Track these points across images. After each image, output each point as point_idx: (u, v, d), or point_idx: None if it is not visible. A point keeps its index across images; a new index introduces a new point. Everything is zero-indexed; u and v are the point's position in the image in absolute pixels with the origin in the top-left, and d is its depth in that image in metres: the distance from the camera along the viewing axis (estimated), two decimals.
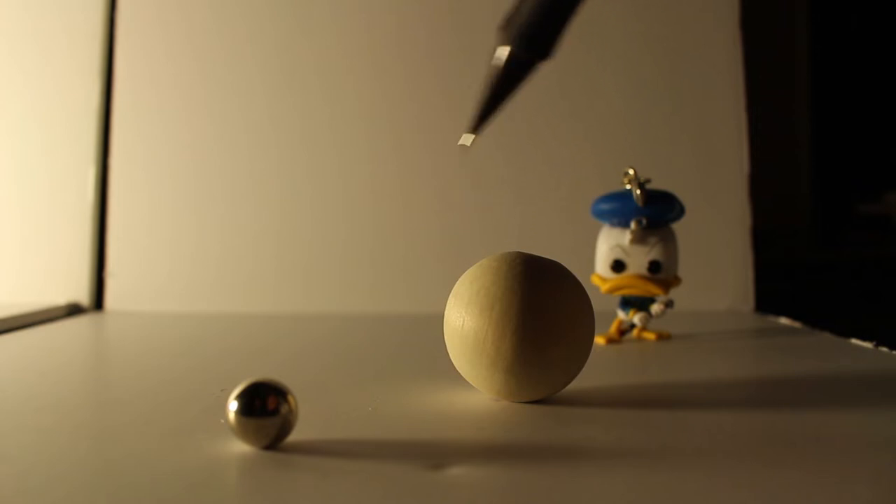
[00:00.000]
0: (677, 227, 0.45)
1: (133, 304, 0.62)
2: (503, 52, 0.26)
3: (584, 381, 0.32)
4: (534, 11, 0.26)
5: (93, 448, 0.24)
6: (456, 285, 0.30)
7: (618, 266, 0.44)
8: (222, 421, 0.25)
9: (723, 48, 0.64)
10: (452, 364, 0.30)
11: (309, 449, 0.23)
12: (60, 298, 0.61)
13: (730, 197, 0.63)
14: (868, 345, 0.42)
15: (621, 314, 0.45)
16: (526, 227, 0.63)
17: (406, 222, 0.64)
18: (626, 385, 0.34)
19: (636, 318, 0.44)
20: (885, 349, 0.41)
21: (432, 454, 0.23)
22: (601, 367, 0.37)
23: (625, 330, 0.46)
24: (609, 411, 0.29)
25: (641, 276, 0.43)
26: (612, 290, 0.44)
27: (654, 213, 0.43)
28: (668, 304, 0.44)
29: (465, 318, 0.28)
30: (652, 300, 0.44)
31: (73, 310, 0.61)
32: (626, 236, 0.44)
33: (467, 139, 0.28)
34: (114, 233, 0.63)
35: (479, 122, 0.27)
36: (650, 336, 0.46)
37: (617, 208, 0.43)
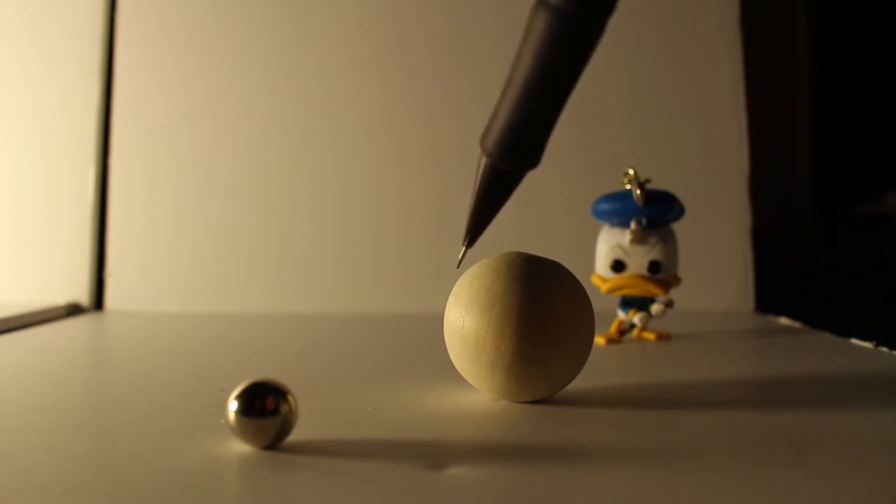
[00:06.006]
0: (677, 227, 0.45)
1: (133, 304, 0.62)
2: (485, 164, 0.25)
3: (584, 381, 0.32)
4: (512, 123, 0.24)
5: (93, 448, 0.24)
6: (456, 285, 0.29)
7: (618, 266, 0.44)
8: (222, 421, 0.25)
9: (723, 48, 0.64)
10: (452, 364, 0.30)
11: (309, 449, 0.23)
12: (60, 298, 0.61)
13: (730, 197, 0.63)
14: (868, 345, 0.42)
15: (621, 314, 0.45)
16: (526, 227, 0.63)
17: (406, 222, 0.64)
18: (626, 385, 0.34)
19: (636, 318, 0.44)
20: (885, 349, 0.41)
21: (432, 454, 0.23)
22: (601, 367, 0.37)
23: (625, 330, 0.46)
24: (609, 411, 0.29)
25: (641, 276, 0.43)
26: (612, 290, 0.44)
27: (654, 213, 0.43)
28: (668, 304, 0.44)
29: (465, 318, 0.28)
30: (652, 300, 0.44)
31: (73, 310, 0.61)
32: (626, 236, 0.44)
33: (462, 252, 0.27)
34: (114, 233, 0.63)
35: (473, 235, 0.26)
36: (650, 336, 0.46)
37: (617, 208, 0.43)
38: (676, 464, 0.22)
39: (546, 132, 0.24)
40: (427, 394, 0.31)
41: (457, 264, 0.27)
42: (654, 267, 0.43)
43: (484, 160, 0.25)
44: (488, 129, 0.25)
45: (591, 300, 0.29)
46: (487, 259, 0.29)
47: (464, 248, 0.26)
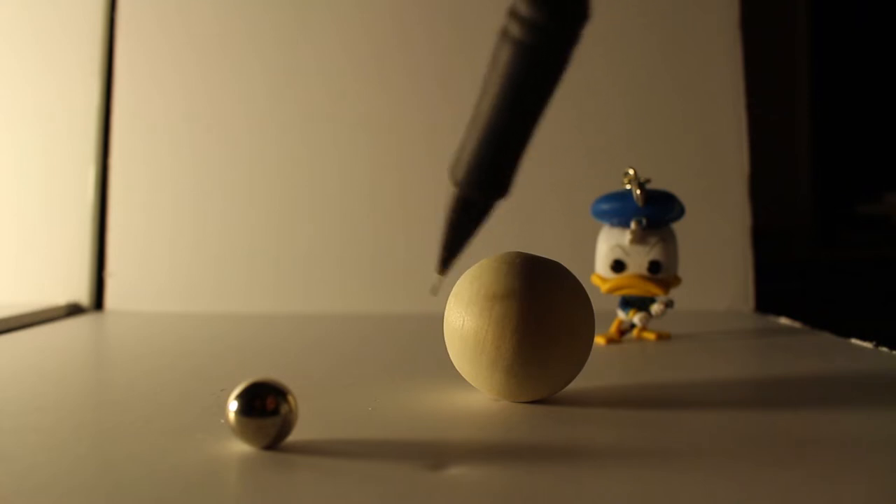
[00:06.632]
0: (677, 227, 0.45)
1: (133, 304, 0.62)
2: (454, 194, 0.25)
3: (584, 381, 0.32)
4: (480, 152, 0.24)
5: (93, 448, 0.24)
6: (456, 285, 0.30)
7: (618, 266, 0.44)
8: (222, 421, 0.25)
9: (723, 48, 0.64)
10: (452, 364, 0.30)
11: (309, 449, 0.23)
12: (60, 298, 0.61)
13: (730, 197, 0.63)
14: (868, 345, 0.42)
15: (621, 314, 0.45)
16: (526, 227, 0.63)
17: (406, 222, 0.64)
18: (626, 385, 0.34)
19: (636, 318, 0.44)
20: (885, 349, 0.41)
21: (432, 454, 0.23)
22: (601, 367, 0.37)
23: (625, 330, 0.46)
24: (609, 411, 0.29)
25: (641, 276, 0.43)
26: (612, 290, 0.44)
27: (654, 213, 0.43)
28: (668, 304, 0.44)
29: (465, 318, 0.28)
30: (652, 300, 0.44)
31: (73, 310, 0.61)
32: (626, 236, 0.44)
33: (437, 280, 0.26)
34: (114, 233, 0.63)
35: (446, 262, 0.26)
36: (650, 336, 0.46)
37: (617, 208, 0.43)
38: (676, 464, 0.22)
39: (514, 162, 0.24)
40: (427, 394, 0.31)
41: (434, 292, 0.27)
42: (654, 267, 0.43)
43: (453, 190, 0.25)
44: (457, 159, 0.25)
45: (591, 300, 0.29)
46: (487, 259, 0.29)
47: (439, 277, 0.26)
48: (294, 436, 0.24)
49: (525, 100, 0.23)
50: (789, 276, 0.82)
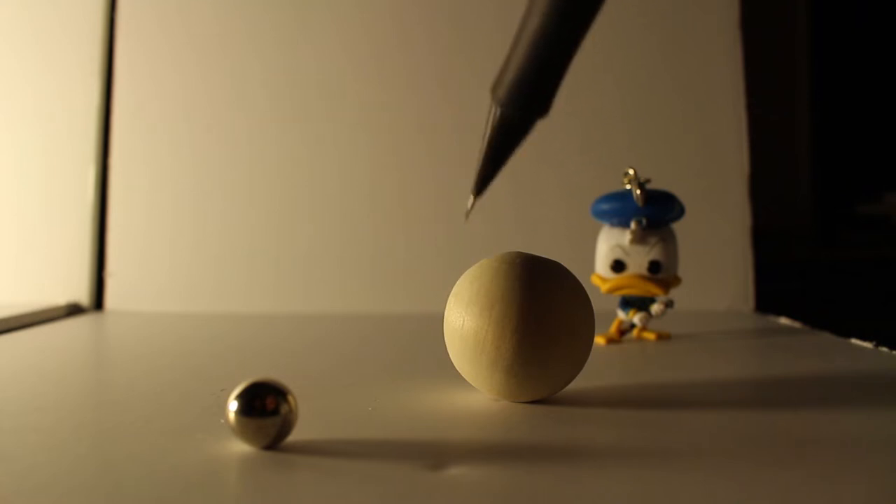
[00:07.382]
0: (677, 227, 0.45)
1: (133, 304, 0.62)
2: (496, 113, 0.25)
3: (584, 381, 0.32)
4: (523, 70, 0.24)
5: (93, 448, 0.24)
6: (456, 285, 0.29)
7: (618, 266, 0.44)
8: (222, 421, 0.25)
9: (723, 48, 0.64)
10: (452, 364, 0.30)
11: (309, 449, 0.23)
12: (60, 298, 0.61)
13: (730, 197, 0.63)
14: (868, 345, 0.42)
15: (621, 314, 0.45)
16: (526, 227, 0.63)
17: (406, 222, 0.64)
18: (626, 385, 0.34)
19: (636, 318, 0.44)
20: (885, 349, 0.41)
21: (432, 454, 0.23)
22: (601, 367, 0.37)
23: (625, 330, 0.46)
24: (609, 411, 0.29)
25: (641, 276, 0.43)
26: (612, 290, 0.44)
27: (654, 213, 0.43)
28: (669, 304, 0.44)
29: (465, 318, 0.28)
30: (652, 300, 0.44)
31: (73, 310, 0.61)
32: (626, 236, 0.44)
33: (470, 202, 0.27)
34: (114, 233, 0.63)
35: (482, 184, 0.26)
36: (650, 336, 0.46)
37: (617, 208, 0.43)
38: (676, 464, 0.22)
39: (556, 81, 0.25)
40: (427, 394, 0.31)
41: (465, 215, 0.28)
42: (654, 267, 0.43)
43: (495, 109, 0.25)
44: (499, 78, 0.25)
45: (591, 300, 0.29)
46: (487, 259, 0.29)
47: (472, 198, 0.27)
48: (294, 436, 0.24)
49: (569, 24, 0.24)
50: (789, 276, 0.82)
